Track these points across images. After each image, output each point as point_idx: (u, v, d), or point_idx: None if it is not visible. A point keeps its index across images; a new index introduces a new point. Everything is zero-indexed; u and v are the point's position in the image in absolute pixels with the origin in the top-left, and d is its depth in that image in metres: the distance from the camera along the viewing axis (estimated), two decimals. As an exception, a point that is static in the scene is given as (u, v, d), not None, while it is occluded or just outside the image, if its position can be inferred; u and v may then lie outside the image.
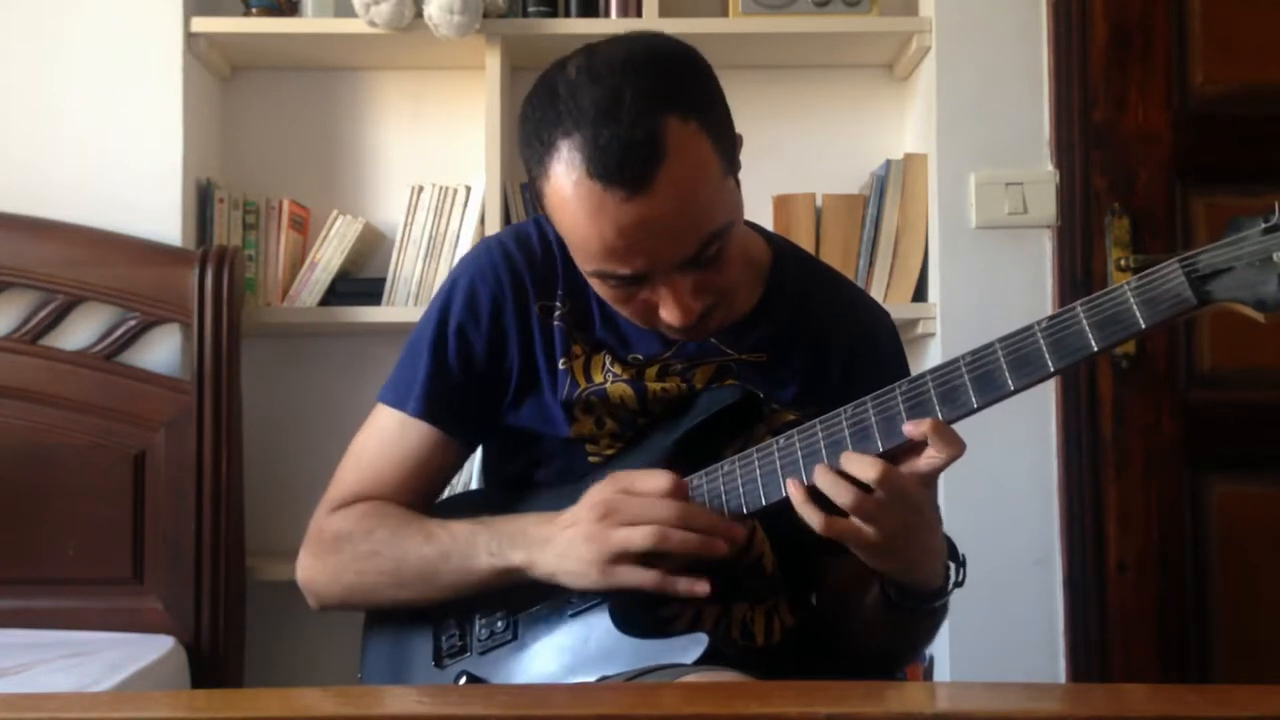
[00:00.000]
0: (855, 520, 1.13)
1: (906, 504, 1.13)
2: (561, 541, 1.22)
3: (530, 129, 1.18)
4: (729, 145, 1.21)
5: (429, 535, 1.30)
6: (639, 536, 1.18)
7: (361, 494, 1.37)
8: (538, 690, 1.17)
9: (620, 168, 1.12)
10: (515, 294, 1.34)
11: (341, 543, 1.35)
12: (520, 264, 1.35)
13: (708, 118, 1.17)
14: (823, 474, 1.14)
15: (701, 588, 1.19)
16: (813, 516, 1.14)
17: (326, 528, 1.37)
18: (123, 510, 2.24)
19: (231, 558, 2.25)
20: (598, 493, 1.22)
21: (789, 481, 1.16)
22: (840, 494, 1.13)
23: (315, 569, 1.38)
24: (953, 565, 1.24)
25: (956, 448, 1.12)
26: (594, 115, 1.12)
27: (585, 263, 1.22)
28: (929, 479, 1.14)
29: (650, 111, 1.12)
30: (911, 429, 1.12)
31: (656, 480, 1.21)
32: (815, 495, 1.15)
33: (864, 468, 1.12)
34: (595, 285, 1.25)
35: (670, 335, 1.28)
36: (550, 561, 1.23)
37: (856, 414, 1.17)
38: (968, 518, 2.29)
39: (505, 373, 1.35)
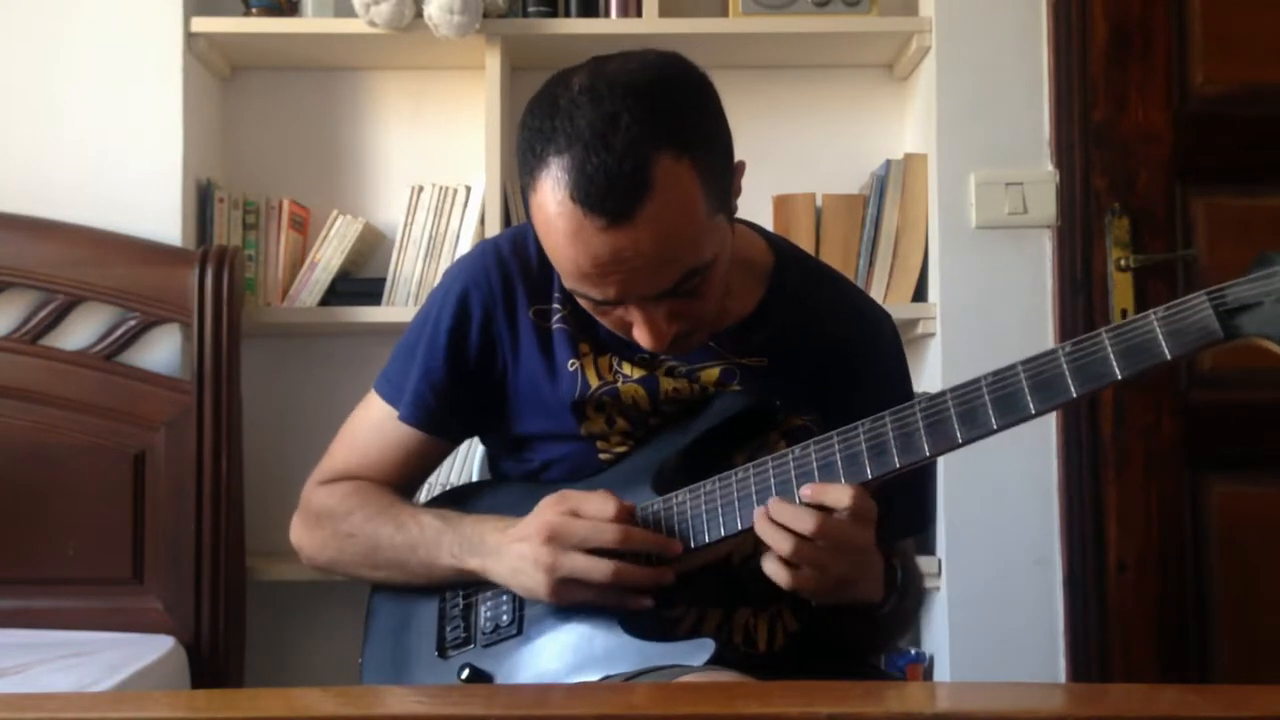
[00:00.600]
0: (805, 569, 1.15)
1: (843, 550, 1.15)
2: (512, 556, 1.26)
3: (526, 138, 1.18)
4: (723, 183, 1.20)
5: (400, 525, 1.35)
6: (597, 572, 1.21)
7: (349, 472, 1.43)
8: (538, 690, 1.17)
9: (603, 197, 1.11)
10: (506, 300, 1.35)
11: (324, 519, 1.41)
12: (514, 269, 1.35)
13: (702, 155, 1.16)
14: (761, 521, 1.16)
15: (647, 602, 1.23)
16: (780, 576, 1.17)
17: (313, 500, 1.44)
18: (123, 510, 2.24)
19: (231, 558, 2.25)
20: (545, 512, 1.25)
21: (765, 559, 1.18)
22: (780, 544, 1.15)
23: (303, 536, 1.45)
24: (894, 588, 1.26)
25: (845, 498, 1.14)
26: (588, 138, 1.12)
27: (564, 278, 1.23)
28: (858, 520, 1.15)
29: (643, 143, 1.12)
30: (806, 494, 1.16)
31: (603, 505, 1.23)
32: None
33: (799, 520, 1.14)
34: (576, 296, 1.26)
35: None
36: (504, 574, 1.28)
37: (874, 429, 1.16)
38: (968, 518, 2.30)
39: (498, 379, 1.37)
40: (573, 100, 1.14)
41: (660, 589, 1.24)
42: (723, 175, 1.20)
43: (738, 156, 1.25)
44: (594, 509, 1.23)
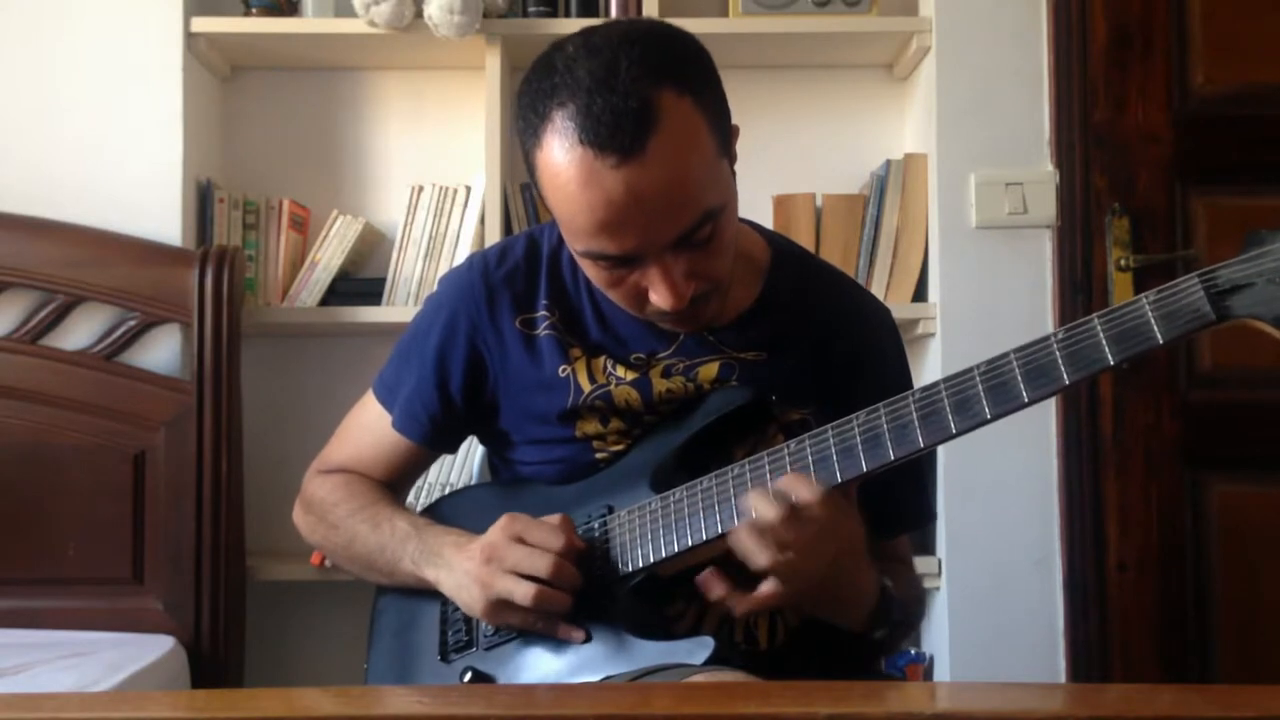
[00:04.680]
0: (772, 580, 1.16)
1: (808, 555, 1.15)
2: (458, 572, 1.28)
3: (526, 103, 1.19)
4: (724, 127, 1.21)
5: (375, 525, 1.38)
6: (520, 593, 1.22)
7: (343, 465, 1.48)
8: (538, 690, 1.17)
9: (613, 134, 1.12)
10: (491, 314, 1.36)
11: (314, 507, 1.47)
12: (497, 282, 1.36)
13: (703, 95, 1.17)
14: (746, 539, 1.16)
15: (578, 635, 1.24)
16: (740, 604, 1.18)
17: (308, 489, 1.49)
18: (123, 510, 2.24)
19: (231, 558, 2.25)
20: (492, 533, 1.26)
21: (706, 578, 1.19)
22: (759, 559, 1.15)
23: (300, 519, 1.50)
24: (886, 622, 1.26)
25: (806, 491, 1.14)
26: (589, 84, 1.13)
27: (576, 241, 1.21)
28: (825, 532, 1.15)
29: (645, 81, 1.13)
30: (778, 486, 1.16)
31: (549, 536, 1.24)
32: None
33: (763, 507, 1.15)
34: (586, 268, 1.25)
35: (661, 323, 1.28)
36: (450, 588, 1.30)
37: (869, 420, 1.16)
38: (968, 518, 2.30)
39: (489, 394, 1.38)
40: (569, 57, 1.16)
41: (580, 618, 1.25)
42: (724, 120, 1.21)
43: (737, 154, 1.26)
44: (538, 537, 1.24)
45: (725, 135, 1.21)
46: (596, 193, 1.14)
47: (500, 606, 1.25)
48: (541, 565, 1.22)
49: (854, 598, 1.23)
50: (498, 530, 1.26)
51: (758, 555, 1.15)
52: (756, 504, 1.15)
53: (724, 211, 1.19)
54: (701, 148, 1.16)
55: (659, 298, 1.20)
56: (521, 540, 1.24)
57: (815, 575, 1.16)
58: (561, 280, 1.36)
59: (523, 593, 1.22)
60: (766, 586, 1.16)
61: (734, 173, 1.25)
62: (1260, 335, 1.05)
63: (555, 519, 1.26)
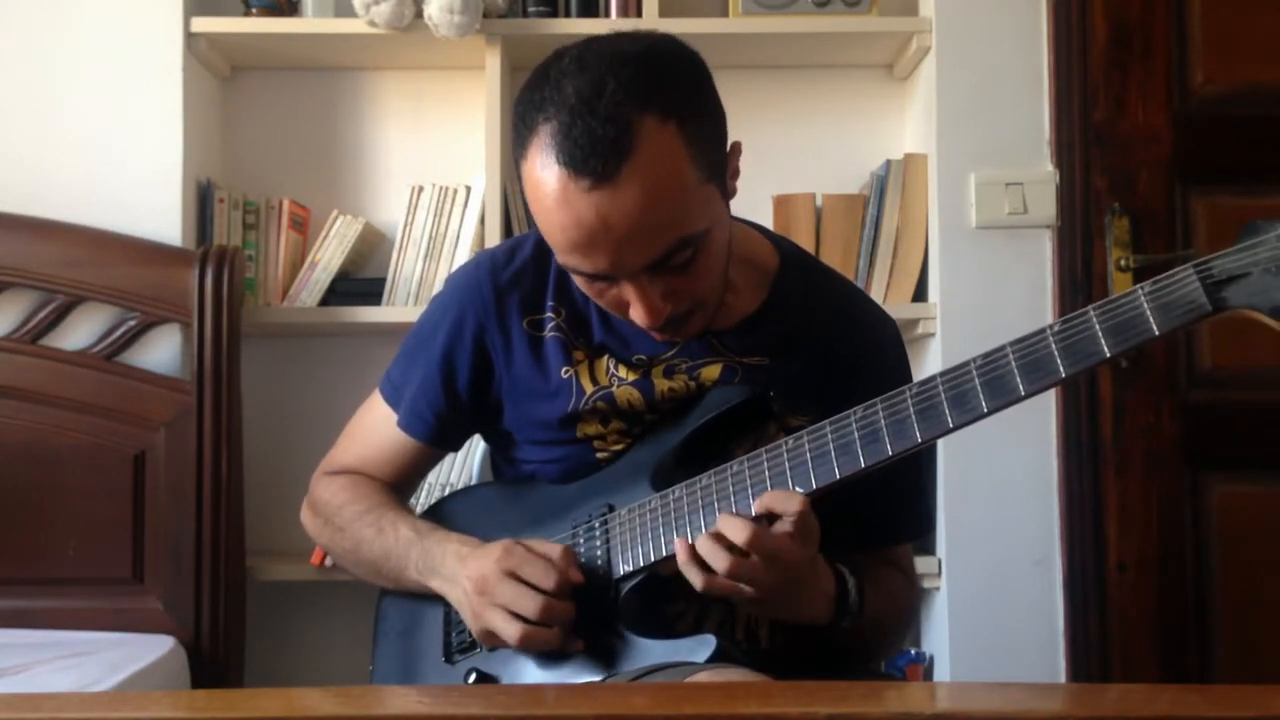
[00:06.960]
0: (731, 581, 1.17)
1: (777, 564, 1.16)
2: (457, 589, 1.29)
3: (519, 112, 1.19)
4: (712, 152, 1.20)
5: (380, 530, 1.39)
6: (508, 632, 1.23)
7: (350, 467, 1.48)
8: (537, 689, 1.17)
9: (587, 159, 1.12)
10: (499, 314, 1.36)
11: (321, 509, 1.47)
12: (504, 281, 1.36)
13: (689, 121, 1.16)
14: (703, 541, 1.17)
15: (576, 645, 1.25)
16: (695, 577, 1.18)
17: (316, 490, 1.49)
18: (123, 510, 2.24)
19: (231, 558, 2.25)
20: (487, 561, 1.26)
21: (677, 541, 1.20)
22: (718, 561, 1.16)
23: (307, 521, 1.51)
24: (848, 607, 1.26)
25: (793, 504, 1.16)
26: (574, 103, 1.13)
27: (557, 254, 1.23)
28: (798, 537, 1.16)
29: (627, 106, 1.13)
30: (759, 506, 1.17)
31: (544, 575, 1.23)
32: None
33: (735, 531, 1.15)
34: (573, 276, 1.26)
35: (650, 332, 1.28)
36: (452, 599, 1.32)
37: (866, 416, 1.16)
38: (968, 518, 2.30)
39: (494, 394, 1.38)
40: (562, 70, 1.16)
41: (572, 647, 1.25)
42: (713, 145, 1.20)
43: (739, 169, 1.25)
44: (531, 574, 1.23)
45: (715, 160, 1.20)
46: (569, 213, 1.14)
47: (491, 636, 1.26)
48: (530, 607, 1.22)
49: (807, 589, 1.23)
50: (492, 562, 1.25)
51: (719, 562, 1.17)
52: (729, 528, 1.17)
53: (705, 237, 1.19)
54: (680, 176, 1.15)
55: (636, 315, 1.21)
56: (514, 575, 1.24)
57: (774, 582, 1.17)
58: (568, 280, 1.36)
59: (510, 632, 1.23)
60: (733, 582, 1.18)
61: (734, 190, 1.24)
62: (1257, 326, 1.05)
63: (556, 550, 1.25)
